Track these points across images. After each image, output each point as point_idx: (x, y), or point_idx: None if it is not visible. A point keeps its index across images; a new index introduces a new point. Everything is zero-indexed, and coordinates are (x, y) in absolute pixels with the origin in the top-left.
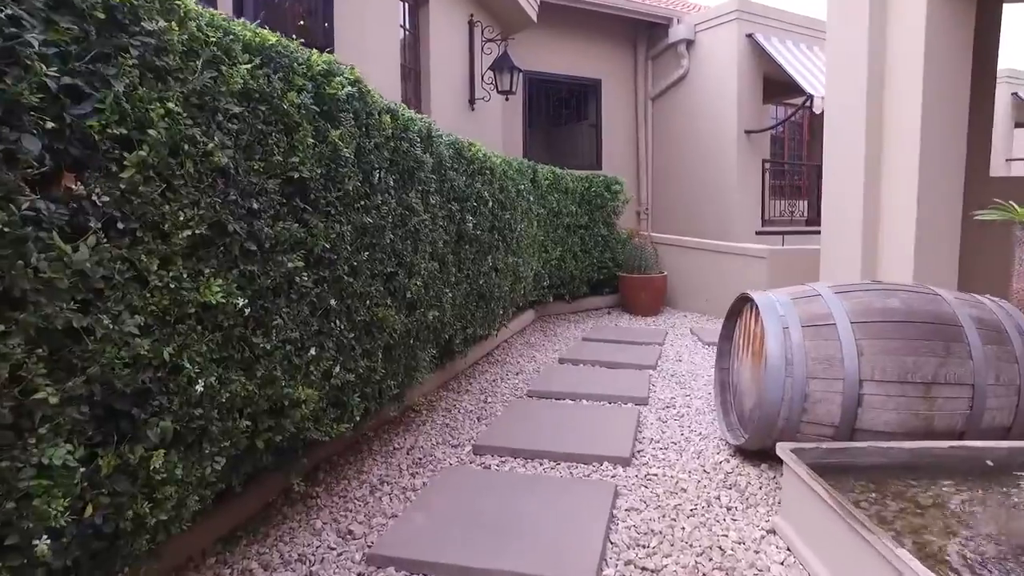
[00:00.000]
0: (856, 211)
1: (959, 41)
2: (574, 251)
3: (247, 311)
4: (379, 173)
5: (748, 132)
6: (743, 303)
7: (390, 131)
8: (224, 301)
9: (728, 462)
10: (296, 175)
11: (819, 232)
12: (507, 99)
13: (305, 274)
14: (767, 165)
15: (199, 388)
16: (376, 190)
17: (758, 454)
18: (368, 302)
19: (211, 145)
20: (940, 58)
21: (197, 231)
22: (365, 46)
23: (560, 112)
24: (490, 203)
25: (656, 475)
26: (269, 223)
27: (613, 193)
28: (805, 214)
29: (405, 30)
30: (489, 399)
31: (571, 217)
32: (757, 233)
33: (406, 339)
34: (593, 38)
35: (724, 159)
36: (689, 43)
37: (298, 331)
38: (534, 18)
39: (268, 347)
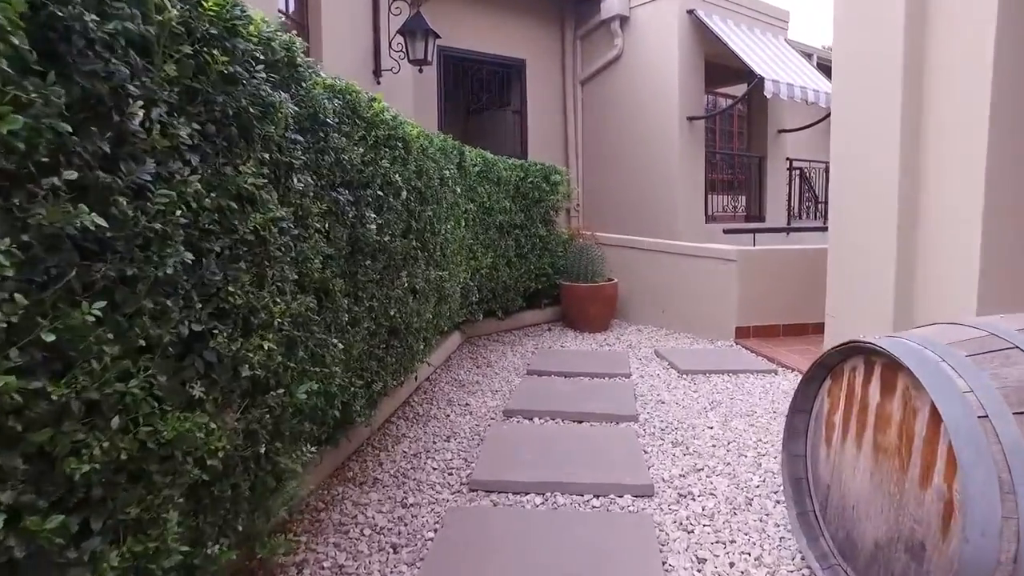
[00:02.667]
0: (886, 205)
1: None
2: (508, 257)
3: None
4: (148, 108)
5: (691, 119)
6: (846, 357)
7: (180, 19)
8: None
9: None
10: None
11: (765, 231)
12: (420, 71)
13: None
14: (708, 156)
15: None
16: (135, 144)
17: None
18: (119, 418)
19: None
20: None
21: None
22: None
23: (479, 96)
24: (403, 193)
25: None
26: None
27: (552, 185)
28: (745, 211)
29: None
30: (410, 497)
31: (505, 215)
32: (725, 232)
33: (242, 452)
34: (516, 13)
35: (665, 149)
36: (623, 20)
37: None
38: None
39: None
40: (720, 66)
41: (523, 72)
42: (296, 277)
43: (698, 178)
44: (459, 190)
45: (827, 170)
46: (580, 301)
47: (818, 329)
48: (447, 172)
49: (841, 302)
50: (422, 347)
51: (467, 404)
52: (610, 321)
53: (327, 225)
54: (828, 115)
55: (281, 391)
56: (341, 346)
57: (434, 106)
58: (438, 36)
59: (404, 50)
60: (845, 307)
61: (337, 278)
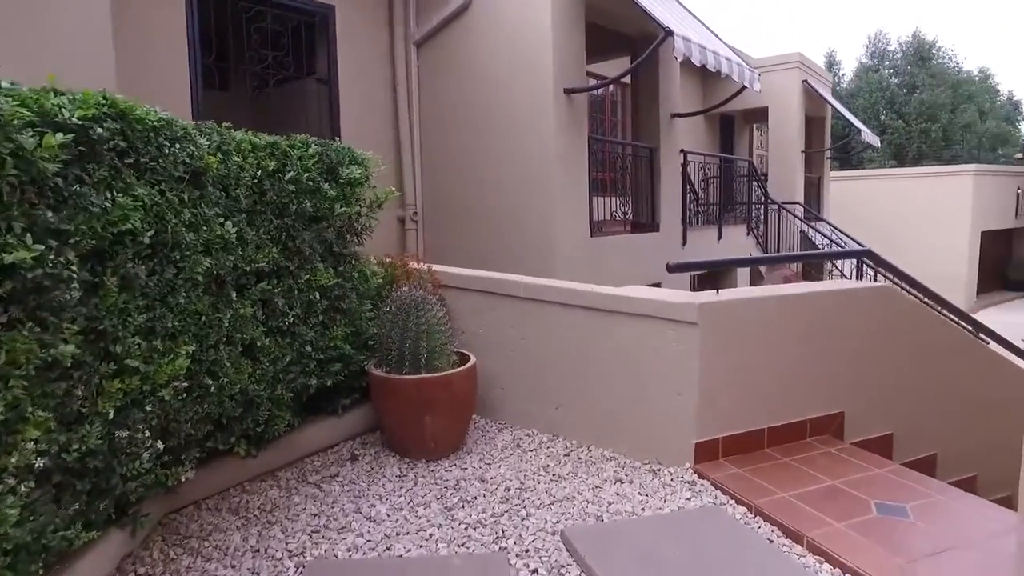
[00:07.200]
0: None
1: None
2: (249, 338)
3: None
4: None
5: (570, 91)
6: None
7: None
8: None
9: None
10: None
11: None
12: None
13: None
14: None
15: None
16: None
17: None
18: None
19: None
20: None
21: None
22: None
23: (263, 54)
24: None
25: None
26: None
27: (345, 186)
28: (631, 216)
29: None
30: None
31: (227, 252)
32: (669, 270)
33: None
34: None
35: (535, 132)
36: None
37: None
38: None
39: None
40: (599, 31)
41: (330, 24)
42: None
43: (581, 174)
44: None
45: (720, 166)
46: (407, 406)
47: (820, 429)
48: None
49: None
50: None
51: None
52: (464, 432)
53: None
54: (741, 90)
55: None
56: None
57: (184, 67)
58: None
59: None
60: None
61: None
